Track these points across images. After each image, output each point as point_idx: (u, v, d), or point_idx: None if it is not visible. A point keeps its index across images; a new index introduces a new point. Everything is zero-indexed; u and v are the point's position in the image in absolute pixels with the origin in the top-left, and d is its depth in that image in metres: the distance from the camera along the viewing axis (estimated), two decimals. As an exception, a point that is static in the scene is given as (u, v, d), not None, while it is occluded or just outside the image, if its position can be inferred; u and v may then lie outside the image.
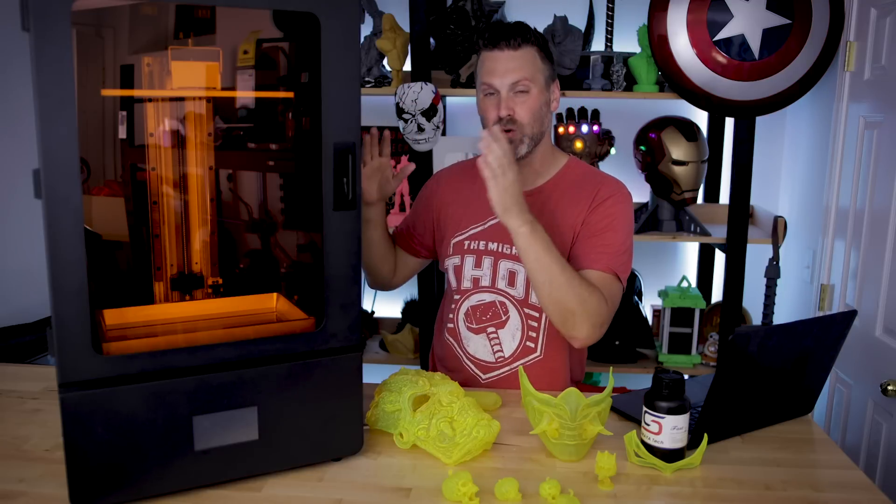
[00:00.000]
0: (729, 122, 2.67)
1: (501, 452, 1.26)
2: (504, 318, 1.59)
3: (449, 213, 1.68)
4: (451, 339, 1.66)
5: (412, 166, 1.61)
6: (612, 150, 2.54)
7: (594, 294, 1.45)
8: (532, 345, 1.58)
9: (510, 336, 1.59)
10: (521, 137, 1.51)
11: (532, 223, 1.41)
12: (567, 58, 2.42)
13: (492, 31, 1.51)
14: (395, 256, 1.74)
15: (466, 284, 1.62)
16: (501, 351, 1.60)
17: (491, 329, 1.60)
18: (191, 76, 1.27)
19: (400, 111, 2.33)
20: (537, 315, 1.57)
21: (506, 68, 1.49)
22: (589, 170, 1.64)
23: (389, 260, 1.71)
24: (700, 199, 2.65)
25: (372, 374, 1.39)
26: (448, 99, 2.71)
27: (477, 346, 1.62)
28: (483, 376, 1.62)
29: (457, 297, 1.64)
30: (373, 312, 2.90)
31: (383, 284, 1.76)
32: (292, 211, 1.39)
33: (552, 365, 1.59)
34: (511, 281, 1.58)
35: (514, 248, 1.56)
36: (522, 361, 1.58)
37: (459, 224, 1.65)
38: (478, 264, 1.60)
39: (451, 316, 1.66)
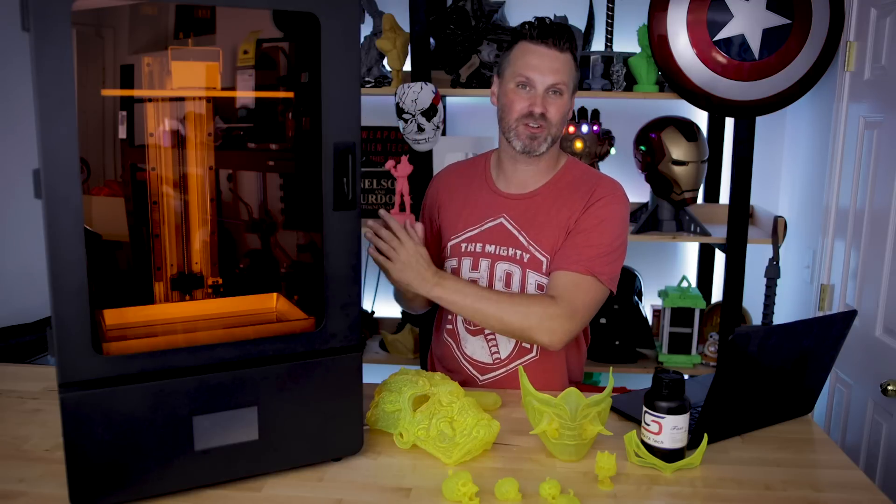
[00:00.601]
0: (729, 122, 2.67)
1: (501, 452, 1.26)
2: (502, 318, 1.58)
3: (445, 215, 1.68)
4: (449, 340, 1.66)
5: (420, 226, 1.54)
6: (612, 150, 2.54)
7: (535, 304, 1.45)
8: (528, 345, 1.58)
9: (506, 338, 1.59)
10: (545, 136, 1.52)
11: (437, 282, 1.44)
12: (567, 58, 2.42)
13: (541, 26, 1.51)
14: None
15: (465, 286, 1.62)
16: (498, 352, 1.60)
17: (489, 330, 1.60)
18: (191, 76, 1.27)
19: (400, 111, 2.33)
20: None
21: (550, 67, 1.49)
22: (586, 170, 1.64)
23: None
24: (700, 199, 2.65)
25: (372, 374, 1.39)
26: (448, 99, 2.71)
27: (475, 347, 1.62)
28: (481, 377, 1.62)
29: (456, 298, 1.64)
30: (373, 312, 2.90)
31: (420, 310, 1.73)
32: (292, 211, 1.39)
33: (549, 366, 1.59)
34: (507, 282, 1.57)
35: (511, 249, 1.56)
36: (519, 362, 1.58)
37: (455, 226, 1.65)
38: (475, 266, 1.60)
39: (449, 317, 1.66)
